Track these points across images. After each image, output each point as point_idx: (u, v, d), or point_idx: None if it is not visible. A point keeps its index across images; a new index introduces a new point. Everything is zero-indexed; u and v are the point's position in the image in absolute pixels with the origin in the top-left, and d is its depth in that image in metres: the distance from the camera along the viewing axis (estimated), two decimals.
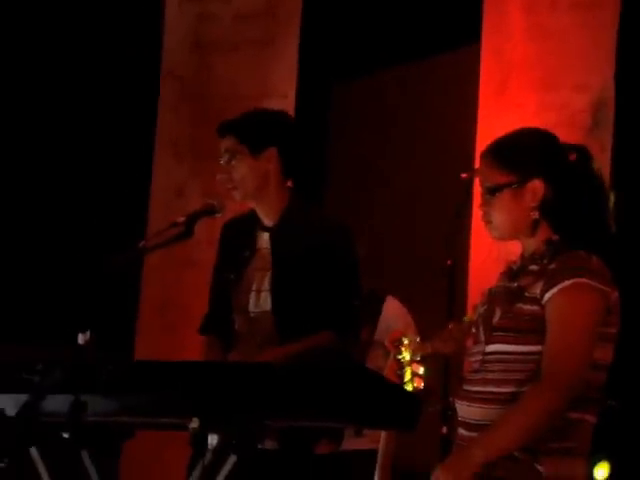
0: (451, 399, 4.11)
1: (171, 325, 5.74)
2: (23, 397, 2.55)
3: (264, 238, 3.77)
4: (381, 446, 3.48)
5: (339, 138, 6.31)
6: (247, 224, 3.82)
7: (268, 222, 3.77)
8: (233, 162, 3.72)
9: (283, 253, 3.72)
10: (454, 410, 2.95)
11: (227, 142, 3.73)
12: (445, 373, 4.32)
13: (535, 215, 2.83)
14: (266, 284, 3.71)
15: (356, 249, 3.77)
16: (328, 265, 3.67)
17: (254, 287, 3.73)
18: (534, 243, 2.85)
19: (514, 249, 3.02)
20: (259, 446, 2.59)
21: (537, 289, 2.75)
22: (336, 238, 3.72)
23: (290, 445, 3.43)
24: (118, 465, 5.62)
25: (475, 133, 5.21)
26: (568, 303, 2.71)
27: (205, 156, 5.62)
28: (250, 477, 2.95)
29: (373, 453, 3.56)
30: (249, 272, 3.75)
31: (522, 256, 2.90)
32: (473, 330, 2.90)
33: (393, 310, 4.64)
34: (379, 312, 4.62)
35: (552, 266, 2.76)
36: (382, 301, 4.68)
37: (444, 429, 4.46)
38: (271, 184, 3.74)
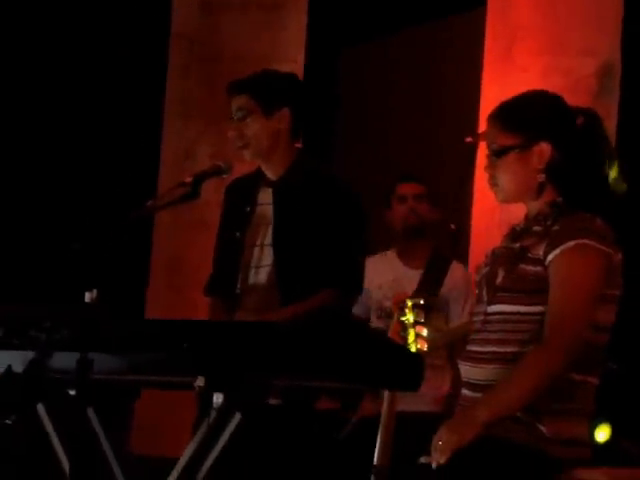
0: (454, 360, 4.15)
1: (181, 285, 5.76)
2: (30, 354, 2.56)
3: (267, 193, 3.78)
4: (384, 407, 3.51)
5: (346, 102, 6.30)
6: (251, 182, 3.84)
7: (272, 177, 3.79)
8: (247, 120, 3.73)
9: (285, 207, 3.73)
10: (457, 370, 2.97)
11: (241, 100, 3.73)
12: None
13: (541, 178, 2.83)
14: (268, 238, 3.73)
15: (362, 208, 3.78)
16: (331, 221, 3.68)
17: (257, 242, 3.75)
18: (538, 205, 2.86)
19: (517, 213, 3.02)
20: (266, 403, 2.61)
21: (540, 250, 2.75)
22: (341, 195, 3.73)
23: (292, 401, 3.45)
24: (129, 423, 5.67)
25: (479, 97, 5.20)
26: (571, 264, 2.72)
27: (215, 118, 5.62)
28: (254, 432, 2.99)
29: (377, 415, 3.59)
30: (252, 227, 3.77)
31: (526, 217, 2.90)
32: (476, 291, 2.91)
33: (458, 277, 4.59)
34: (444, 276, 4.58)
35: (555, 227, 2.77)
36: (448, 266, 4.63)
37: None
38: (281, 144, 3.76)
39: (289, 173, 3.75)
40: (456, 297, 4.55)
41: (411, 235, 4.67)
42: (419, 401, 4.22)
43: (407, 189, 4.71)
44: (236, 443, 2.64)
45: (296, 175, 3.75)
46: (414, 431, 3.96)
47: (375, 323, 4.54)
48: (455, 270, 4.64)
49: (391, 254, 4.72)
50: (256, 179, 3.82)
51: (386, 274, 4.61)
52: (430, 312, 3.72)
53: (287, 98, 3.75)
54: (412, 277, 4.60)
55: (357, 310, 4.35)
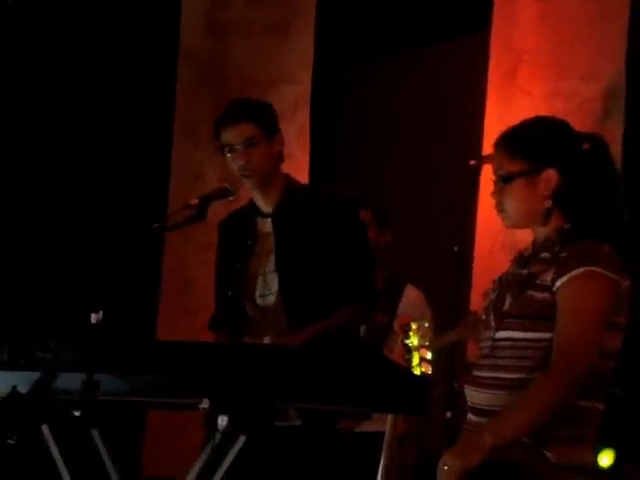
0: (456, 384, 4.15)
1: (192, 306, 5.78)
2: (36, 375, 2.56)
3: (265, 223, 3.80)
4: (388, 429, 3.51)
5: (351, 122, 6.32)
6: (244, 216, 3.86)
7: (266, 209, 3.81)
8: (253, 148, 3.74)
9: (286, 233, 3.75)
10: (459, 395, 2.97)
11: (246, 129, 3.73)
12: (450, 358, 4.34)
13: (548, 204, 2.83)
14: (271, 266, 3.74)
15: (361, 220, 3.80)
16: (336, 239, 3.70)
17: (260, 271, 3.76)
18: (546, 231, 2.86)
19: (521, 236, 3.03)
20: (285, 424, 2.61)
21: (548, 276, 2.76)
22: (339, 211, 3.76)
23: (312, 422, 3.44)
24: (143, 439, 5.67)
25: (483, 120, 5.22)
26: (579, 291, 2.72)
27: None
28: (276, 453, 2.99)
29: (379, 435, 3.59)
30: (254, 259, 3.78)
31: (533, 243, 2.90)
32: (483, 316, 2.91)
33: (412, 298, 4.64)
34: (399, 299, 4.62)
35: (564, 254, 2.77)
36: (402, 288, 4.67)
37: (448, 414, 4.49)
38: (277, 169, 3.81)
39: (284, 199, 3.78)
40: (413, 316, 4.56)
41: None
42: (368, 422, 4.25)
43: None
44: (254, 465, 2.64)
45: (291, 200, 3.78)
46: (365, 451, 3.97)
47: None
48: (409, 291, 4.65)
49: None
50: (250, 212, 3.85)
51: None
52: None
53: (277, 122, 3.81)
54: None
55: None
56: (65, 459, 2.84)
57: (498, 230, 4.79)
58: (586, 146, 2.86)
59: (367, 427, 4.26)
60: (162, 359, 2.57)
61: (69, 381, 2.56)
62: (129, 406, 2.90)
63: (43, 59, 6.07)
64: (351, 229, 3.75)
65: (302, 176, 5.43)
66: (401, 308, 4.59)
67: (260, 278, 3.76)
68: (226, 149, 3.76)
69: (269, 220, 3.80)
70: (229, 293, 3.80)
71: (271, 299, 3.74)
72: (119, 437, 2.91)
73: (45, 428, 2.84)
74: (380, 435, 3.61)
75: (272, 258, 3.75)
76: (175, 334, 5.58)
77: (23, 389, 2.58)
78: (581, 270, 2.73)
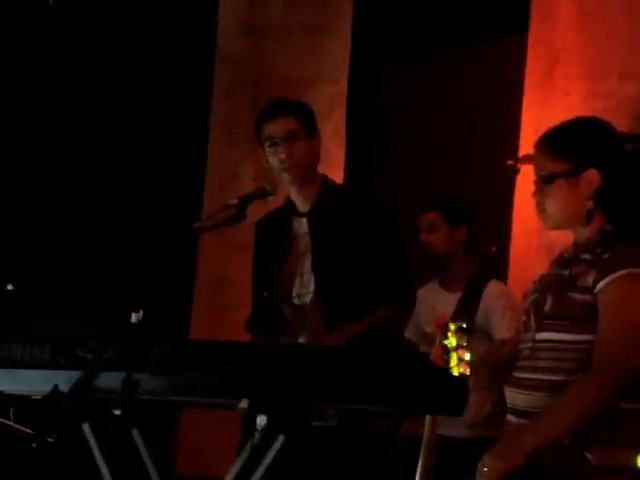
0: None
1: (225, 306, 5.80)
2: (76, 374, 2.58)
3: (302, 223, 3.82)
4: (426, 430, 3.51)
5: (387, 123, 6.32)
6: (280, 216, 3.88)
7: (303, 207, 3.82)
8: (294, 142, 3.76)
9: (322, 232, 3.76)
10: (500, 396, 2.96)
11: (288, 123, 3.76)
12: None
13: (590, 205, 2.82)
14: (308, 266, 3.75)
15: (397, 220, 3.81)
16: (373, 239, 3.71)
17: (297, 271, 3.78)
18: (587, 232, 2.85)
19: (556, 238, 3.02)
20: (323, 424, 2.61)
21: (590, 278, 2.75)
22: (376, 211, 3.78)
23: (349, 423, 3.45)
24: (174, 443, 5.70)
25: (520, 120, 5.20)
26: (621, 293, 2.71)
27: None
28: (313, 454, 2.99)
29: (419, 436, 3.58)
30: (290, 259, 3.79)
31: (574, 244, 2.89)
32: (524, 318, 2.90)
33: (494, 292, 4.56)
34: (479, 297, 4.56)
35: (605, 255, 2.76)
36: (485, 285, 4.61)
37: None
38: (315, 167, 3.84)
39: (320, 198, 3.80)
40: (494, 310, 4.52)
41: (431, 265, 4.67)
42: (458, 425, 4.21)
43: (421, 221, 4.71)
44: (292, 465, 2.65)
45: (327, 199, 3.79)
46: (451, 457, 3.97)
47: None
48: (492, 287, 4.62)
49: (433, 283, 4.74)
50: (286, 211, 3.86)
51: (426, 300, 4.59)
52: (472, 335, 3.71)
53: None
54: (449, 301, 4.59)
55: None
56: (105, 458, 2.85)
57: (533, 230, 4.77)
58: (628, 147, 2.85)
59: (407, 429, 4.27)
60: (202, 359, 2.57)
61: (109, 380, 2.57)
62: (167, 405, 2.91)
63: (84, 62, 6.11)
64: (387, 229, 3.76)
65: (338, 175, 5.44)
66: (482, 302, 4.52)
67: (297, 278, 3.78)
68: (267, 143, 3.79)
69: (305, 220, 3.81)
70: (265, 293, 3.81)
71: (308, 299, 3.76)
72: (154, 435, 2.92)
73: (86, 427, 2.85)
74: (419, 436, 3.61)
75: (309, 258, 3.77)
76: (207, 333, 5.59)
77: (64, 388, 2.59)
78: (623, 272, 2.72)
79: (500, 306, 4.51)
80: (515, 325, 4.30)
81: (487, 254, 4.84)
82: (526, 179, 2.92)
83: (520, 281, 4.58)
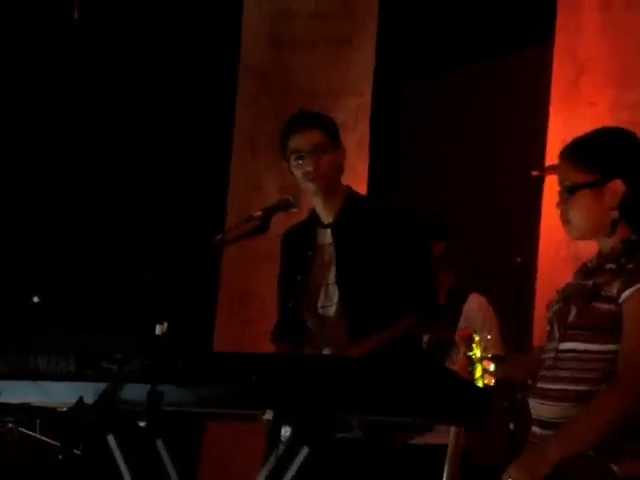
0: (519, 396, 4.12)
1: (249, 318, 5.80)
2: (102, 385, 2.59)
3: (326, 234, 3.83)
4: (450, 441, 3.49)
5: (412, 135, 6.32)
6: (305, 228, 3.90)
7: (327, 219, 3.84)
8: (320, 155, 3.78)
9: (346, 244, 3.77)
10: (522, 407, 2.95)
11: (314, 136, 3.78)
12: None
13: (615, 215, 2.82)
14: (332, 277, 3.77)
15: (423, 230, 3.81)
16: (397, 249, 3.72)
17: (322, 282, 3.80)
18: (612, 242, 2.84)
19: (583, 248, 3.01)
20: (347, 436, 2.61)
21: (614, 288, 2.74)
22: (402, 222, 3.79)
23: (372, 435, 3.45)
24: (201, 448, 5.71)
25: (546, 131, 5.19)
26: None
27: None
28: (337, 466, 2.98)
29: (443, 448, 3.57)
30: (315, 270, 3.81)
31: (598, 254, 2.89)
32: (547, 328, 2.89)
33: (475, 305, 4.61)
34: (460, 310, 4.60)
35: (630, 265, 2.75)
36: (464, 299, 4.64)
37: (511, 426, 4.46)
38: (339, 179, 3.85)
39: (344, 210, 3.81)
40: (474, 323, 4.52)
41: None
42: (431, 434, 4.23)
43: None
44: (315, 477, 2.65)
45: (351, 211, 3.81)
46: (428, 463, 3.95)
47: None
48: (472, 299, 4.63)
49: None
50: (311, 223, 3.88)
51: None
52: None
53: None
54: None
55: None
56: (130, 469, 2.86)
57: (561, 241, 4.76)
58: None
59: (430, 439, 4.26)
60: (226, 370, 2.58)
61: (134, 392, 2.58)
62: (191, 417, 2.92)
63: (110, 72, 6.14)
64: (411, 239, 3.77)
65: (361, 187, 5.43)
66: (463, 315, 4.56)
67: (322, 289, 3.79)
68: (293, 156, 3.81)
69: (329, 231, 3.83)
70: (290, 304, 3.83)
71: (332, 310, 3.77)
72: (178, 447, 2.92)
73: (111, 438, 2.86)
74: (443, 448, 3.60)
75: (333, 269, 3.78)
76: (231, 345, 5.60)
77: (89, 400, 2.60)
78: None
79: (479, 319, 4.53)
80: (495, 337, 4.31)
81: (513, 265, 4.82)
82: (553, 190, 2.91)
83: (548, 292, 4.56)
